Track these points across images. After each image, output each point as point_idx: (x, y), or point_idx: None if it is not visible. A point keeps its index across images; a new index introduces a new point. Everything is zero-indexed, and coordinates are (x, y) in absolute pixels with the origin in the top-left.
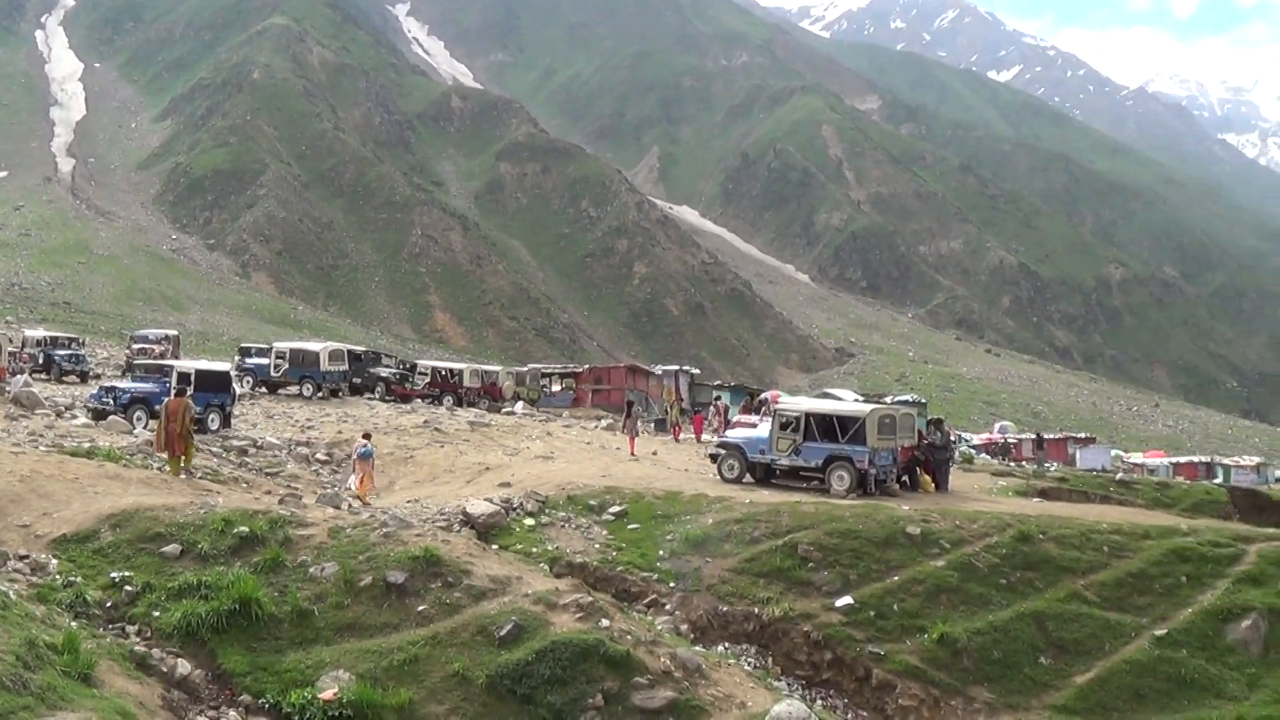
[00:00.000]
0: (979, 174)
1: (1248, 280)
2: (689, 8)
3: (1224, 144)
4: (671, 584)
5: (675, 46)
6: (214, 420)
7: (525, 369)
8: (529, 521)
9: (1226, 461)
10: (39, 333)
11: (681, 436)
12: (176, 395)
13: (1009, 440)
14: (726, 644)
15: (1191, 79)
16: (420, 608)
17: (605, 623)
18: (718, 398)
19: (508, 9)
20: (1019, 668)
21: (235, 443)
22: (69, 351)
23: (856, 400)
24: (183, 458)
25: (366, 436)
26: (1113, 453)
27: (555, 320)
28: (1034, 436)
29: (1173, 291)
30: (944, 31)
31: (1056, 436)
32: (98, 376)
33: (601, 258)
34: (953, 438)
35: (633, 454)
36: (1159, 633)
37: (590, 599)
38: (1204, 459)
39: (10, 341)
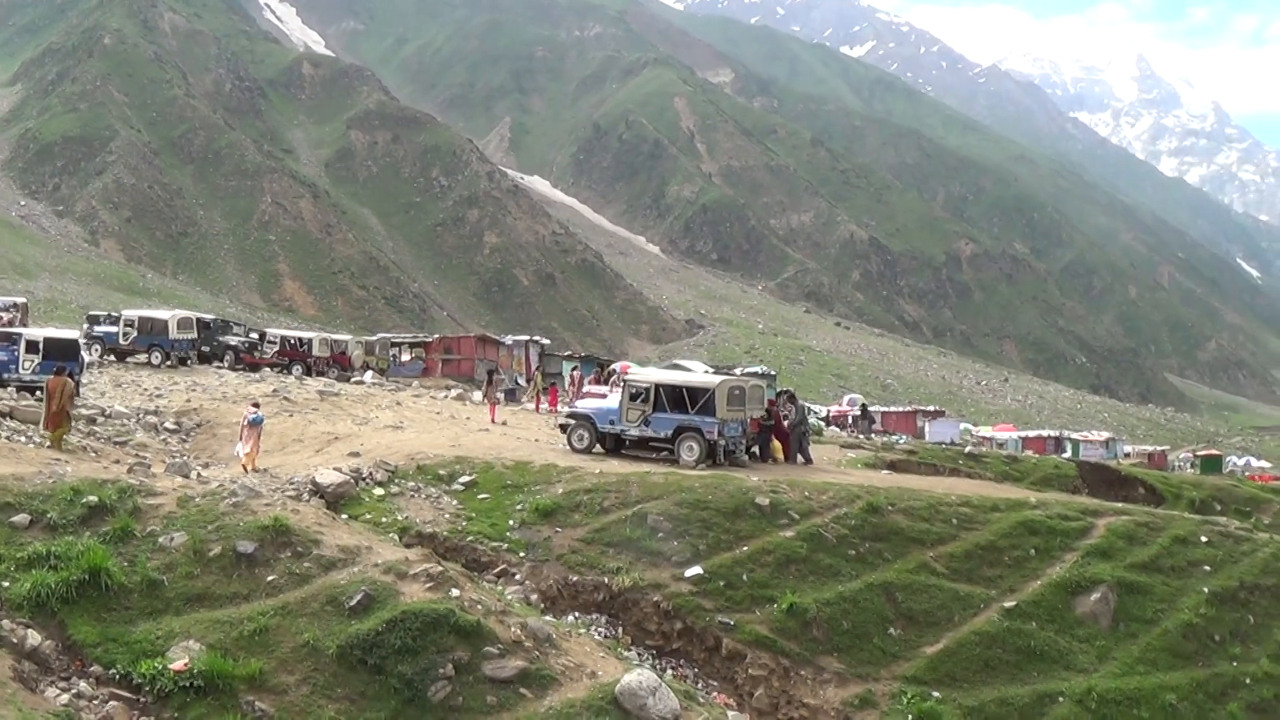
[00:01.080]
0: (831, 148)
1: (1097, 257)
2: None
3: (1076, 122)
4: (521, 554)
5: (528, 16)
6: None
7: (375, 338)
8: (378, 491)
9: (1075, 436)
10: None
11: (531, 406)
12: (56, 374)
13: (852, 413)
14: (577, 614)
15: (1045, 57)
16: (270, 578)
17: (455, 592)
18: (574, 368)
19: None
20: (868, 638)
21: (84, 411)
22: None
23: (706, 372)
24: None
25: (256, 405)
26: (962, 426)
27: (405, 289)
28: (859, 408)
29: (1022, 267)
30: (798, 6)
31: (904, 409)
32: None
33: (452, 227)
34: (805, 409)
35: (493, 421)
36: (1008, 605)
37: (440, 569)
38: (1053, 433)
39: None
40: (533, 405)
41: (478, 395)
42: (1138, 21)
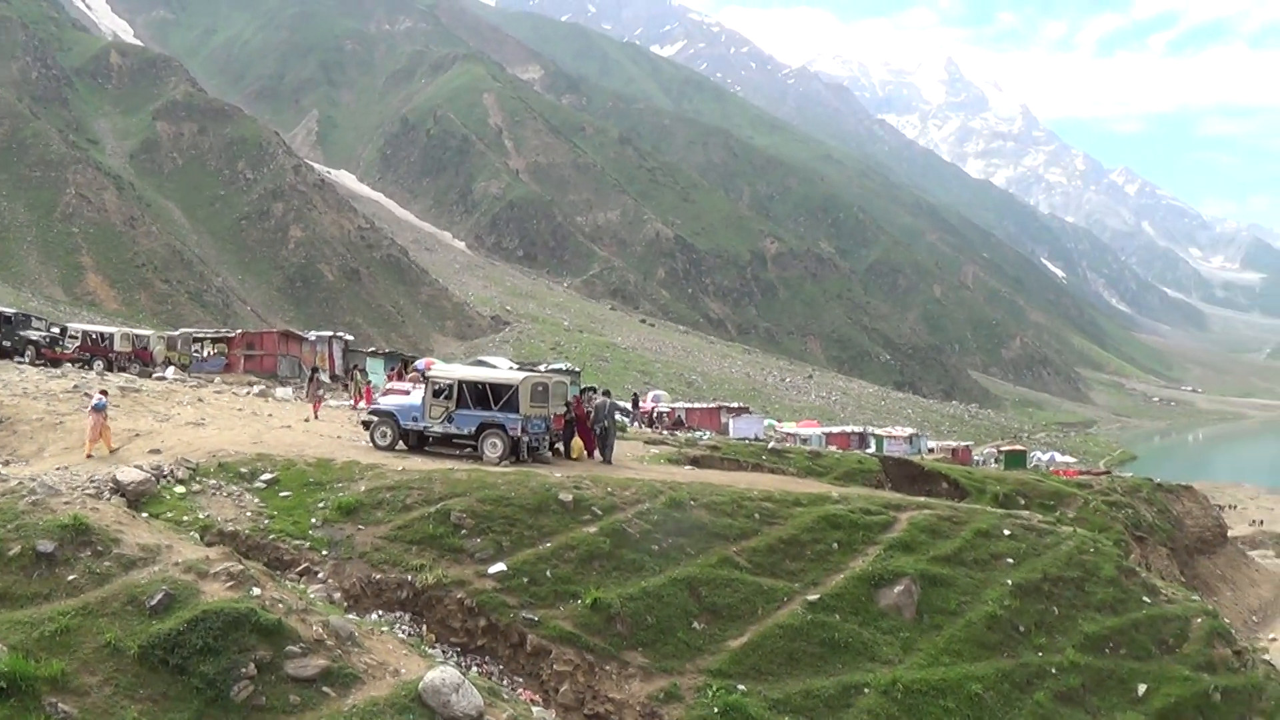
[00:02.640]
0: (638, 146)
1: (902, 256)
2: None
3: (884, 124)
4: (324, 552)
5: (338, 9)
6: None
7: (177, 333)
8: (180, 489)
9: (879, 432)
10: None
11: (336, 404)
12: None
13: (659, 409)
14: (380, 612)
15: (854, 60)
16: (70, 577)
17: (257, 591)
18: (356, 366)
19: None
20: (673, 632)
21: None
22: None
23: (511, 368)
24: None
25: (104, 392)
26: (766, 422)
27: (209, 284)
28: (630, 401)
29: (828, 266)
30: (610, 4)
31: (708, 406)
32: None
33: (257, 221)
34: (615, 406)
35: (316, 417)
36: (811, 598)
37: (241, 567)
38: (857, 429)
39: None
40: (351, 402)
41: (281, 391)
42: (946, 26)
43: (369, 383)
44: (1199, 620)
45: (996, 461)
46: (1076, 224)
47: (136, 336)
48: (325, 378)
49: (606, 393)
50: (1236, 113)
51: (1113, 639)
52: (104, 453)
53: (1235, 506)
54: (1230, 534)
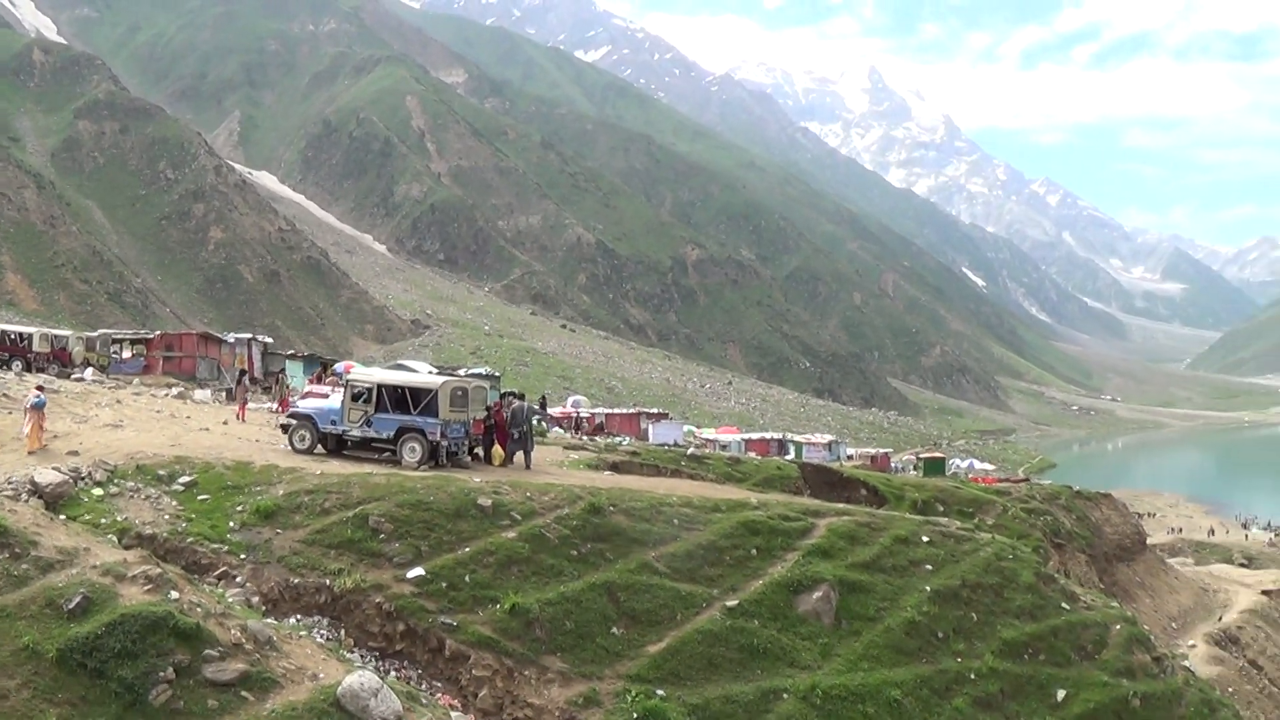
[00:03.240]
0: (561, 151)
1: (823, 264)
2: None
3: (806, 132)
4: (242, 556)
5: (261, 10)
6: None
7: (96, 334)
8: (98, 491)
9: (798, 438)
10: None
11: (255, 408)
12: None
13: (579, 415)
14: (298, 616)
15: (778, 68)
16: None
17: (175, 595)
18: (282, 370)
19: None
20: (592, 638)
21: None
22: None
23: (431, 372)
24: None
25: (40, 389)
26: (685, 428)
27: (128, 285)
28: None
29: (748, 273)
30: (535, 9)
31: (628, 411)
32: None
33: (178, 221)
34: (534, 410)
35: (241, 419)
36: (730, 603)
37: (159, 571)
38: (776, 436)
39: None
40: (275, 406)
41: (199, 394)
42: (870, 36)
43: (277, 384)
44: (1118, 627)
45: (915, 469)
46: (997, 234)
47: (55, 337)
48: (228, 378)
49: (516, 394)
50: (1160, 125)
51: (1031, 645)
52: (34, 449)
53: (1155, 514)
54: (1150, 541)
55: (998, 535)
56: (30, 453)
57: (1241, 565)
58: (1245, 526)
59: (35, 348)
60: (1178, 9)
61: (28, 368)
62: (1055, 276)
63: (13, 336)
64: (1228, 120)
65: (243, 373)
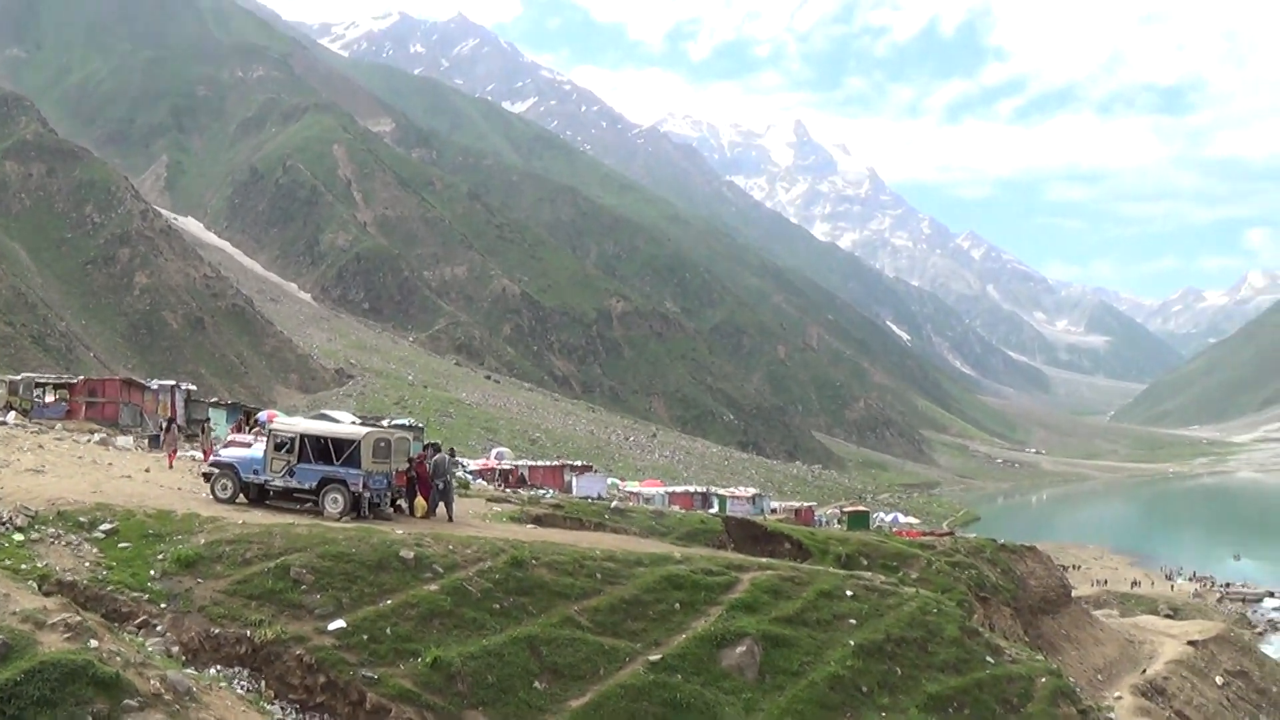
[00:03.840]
0: (487, 202)
1: (747, 317)
2: (210, 16)
3: (732, 185)
4: (163, 605)
5: (192, 54)
6: None
7: (19, 378)
8: (18, 537)
9: (722, 492)
10: None
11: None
12: None
13: (502, 466)
14: (219, 666)
15: (704, 121)
16: None
17: (94, 643)
18: (207, 419)
19: (28, 2)
20: (514, 691)
21: None
22: None
23: (354, 423)
24: None
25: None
26: (609, 481)
27: (52, 328)
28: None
29: (673, 326)
30: (463, 59)
31: (551, 464)
32: None
33: (103, 265)
34: (456, 463)
35: (171, 467)
36: (654, 658)
37: (79, 618)
38: (700, 489)
39: None
40: (200, 453)
41: (121, 440)
42: (795, 90)
43: (204, 433)
44: (1043, 680)
45: (840, 522)
46: (922, 287)
47: None
48: (151, 425)
49: (438, 446)
50: (1083, 178)
51: (956, 699)
52: None
53: (1079, 566)
54: (1075, 594)
55: (922, 589)
56: None
57: (1167, 616)
58: (1169, 578)
59: None
60: (1102, 62)
61: None
62: (979, 330)
63: None
64: (1150, 173)
65: (172, 420)
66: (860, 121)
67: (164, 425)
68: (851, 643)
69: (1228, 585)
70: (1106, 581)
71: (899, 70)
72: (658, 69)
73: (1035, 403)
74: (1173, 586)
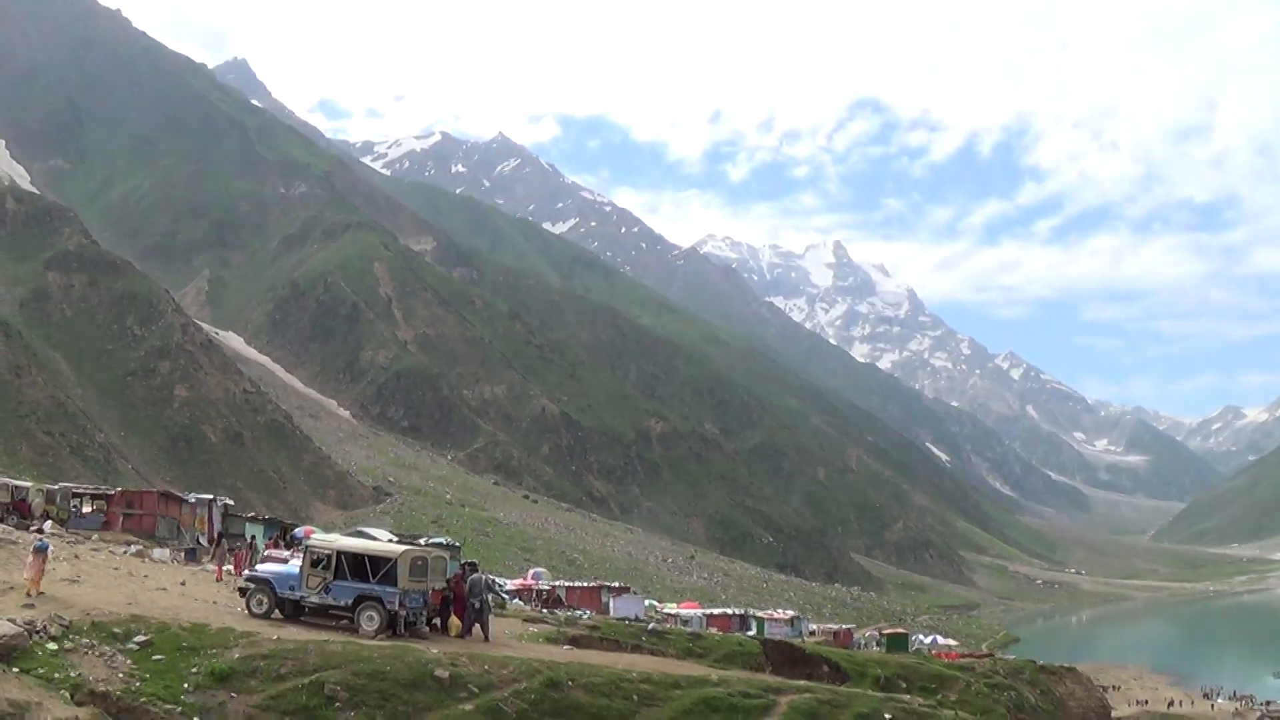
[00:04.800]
0: (527, 321)
1: (786, 439)
2: (254, 132)
3: (771, 306)
4: (195, 718)
5: (235, 170)
6: None
7: (57, 487)
8: (52, 646)
9: (760, 614)
10: None
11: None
12: None
13: (540, 587)
14: None
15: (744, 243)
16: None
17: None
18: (253, 536)
19: (74, 114)
20: None
21: None
22: None
23: (391, 540)
24: None
25: (40, 531)
26: (646, 602)
27: (91, 439)
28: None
29: (712, 447)
30: (504, 179)
31: (589, 585)
32: None
33: (143, 378)
34: (489, 582)
35: (219, 579)
36: None
37: None
38: (738, 611)
39: None
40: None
41: (158, 552)
42: (833, 211)
43: (236, 548)
44: None
45: (878, 644)
46: (961, 408)
47: (15, 488)
48: (187, 539)
49: (475, 565)
50: (1120, 297)
51: None
52: (35, 592)
53: (1119, 687)
54: (1114, 714)
55: (961, 712)
56: (30, 594)
57: None
58: (1207, 697)
59: None
60: (1138, 181)
61: None
62: (1019, 450)
63: None
64: (1187, 290)
65: (221, 535)
66: (898, 243)
67: (215, 539)
68: None
69: (1268, 703)
70: (1147, 702)
71: (936, 191)
72: (696, 190)
73: (1075, 523)
74: (1212, 706)
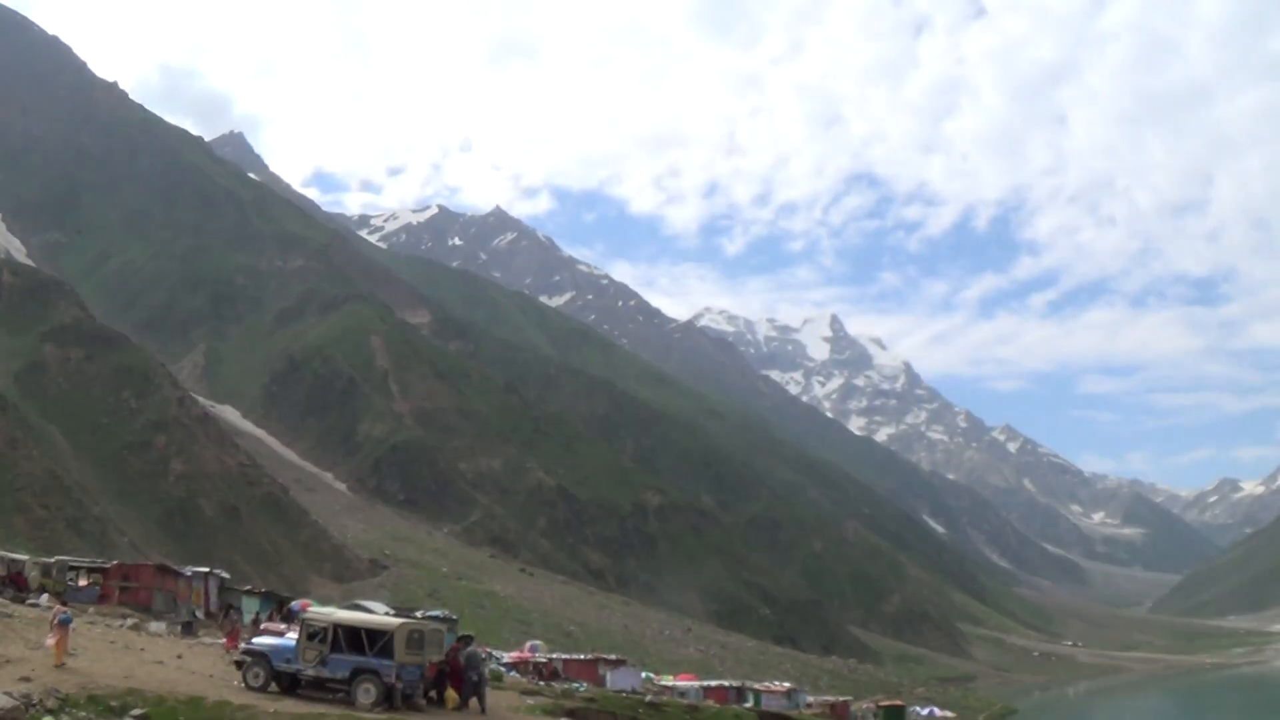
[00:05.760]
0: (523, 395)
1: (783, 511)
2: (250, 206)
3: (768, 380)
4: None
5: (231, 244)
6: None
7: (52, 560)
8: (49, 719)
9: (757, 686)
10: None
11: (210, 642)
12: None
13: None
14: None
15: (740, 316)
16: None
17: None
18: (230, 604)
19: (70, 187)
20: None
21: None
22: None
23: (388, 613)
24: None
25: (64, 604)
26: (644, 675)
27: (87, 512)
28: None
29: (709, 519)
30: (500, 252)
31: (586, 657)
32: None
33: (139, 451)
34: (483, 656)
35: (228, 650)
36: None
37: None
38: (735, 683)
39: None
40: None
41: (154, 626)
42: (829, 285)
43: (251, 622)
44: None
45: (875, 717)
46: (958, 481)
47: (11, 561)
48: (183, 612)
49: (471, 638)
50: (1115, 371)
51: None
52: (60, 663)
53: None
54: None
55: None
56: (56, 667)
57: None
58: None
59: None
60: (1134, 255)
61: None
62: (1016, 523)
63: None
64: (1183, 364)
65: (230, 606)
66: (895, 317)
67: (224, 610)
68: None
69: None
70: None
71: (932, 265)
72: (692, 263)
73: (1072, 595)
74: None
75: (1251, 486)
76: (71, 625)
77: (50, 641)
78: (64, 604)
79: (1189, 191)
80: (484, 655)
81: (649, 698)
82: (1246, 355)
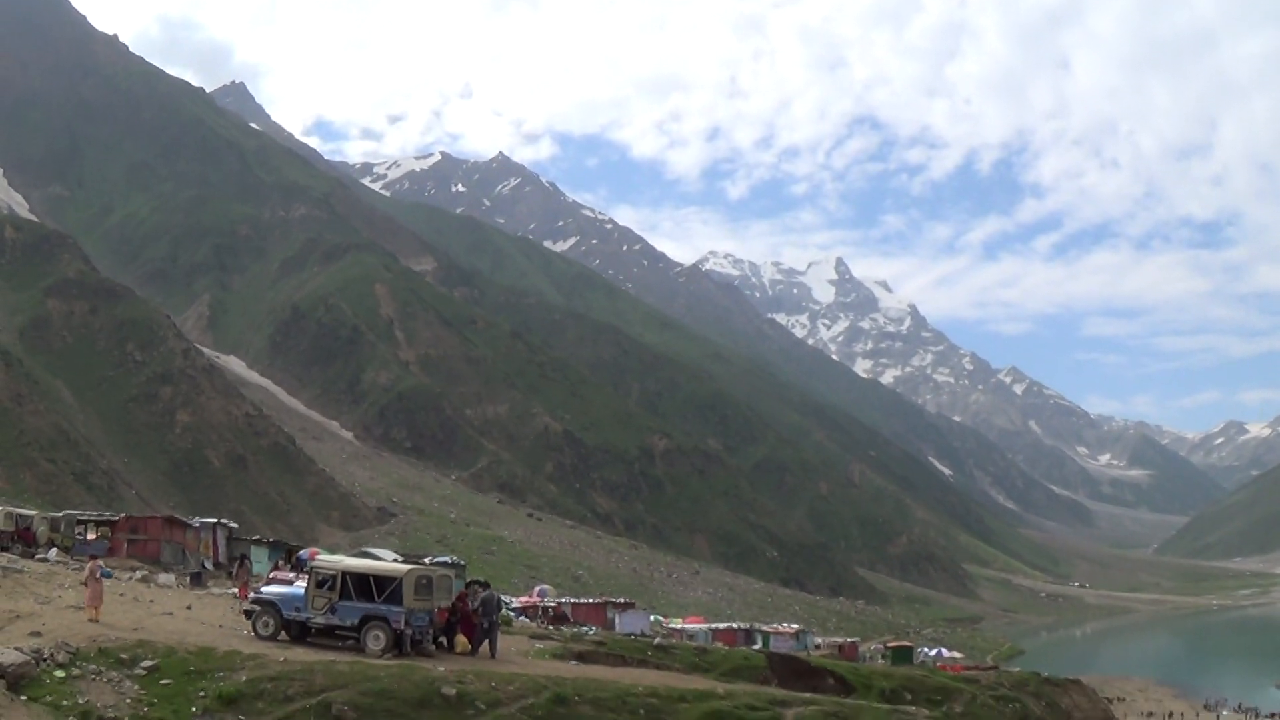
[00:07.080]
0: (529, 340)
1: (789, 454)
2: (252, 156)
3: (773, 323)
4: None
5: (234, 193)
6: None
7: (61, 515)
8: (60, 673)
9: (766, 628)
10: None
11: (220, 592)
12: None
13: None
14: None
15: (746, 260)
16: None
17: None
18: (244, 555)
19: (72, 142)
20: None
21: None
22: None
23: (396, 560)
24: None
25: (94, 557)
26: (652, 618)
27: (94, 465)
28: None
29: (715, 463)
30: (504, 198)
31: (594, 601)
32: None
33: (145, 404)
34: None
35: (242, 600)
36: None
37: None
38: (743, 625)
39: None
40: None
41: (163, 577)
42: (833, 229)
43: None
44: None
45: (883, 657)
46: (964, 423)
47: (20, 516)
48: (192, 562)
49: (486, 583)
50: (1121, 313)
51: None
52: (95, 618)
53: (1124, 699)
54: None
55: None
56: (91, 621)
57: None
58: (1209, 708)
59: None
60: (1138, 199)
61: None
62: (1022, 464)
63: None
64: (1188, 307)
65: (243, 556)
66: (899, 259)
67: (239, 560)
68: None
69: (1272, 715)
70: (1152, 714)
71: (936, 208)
72: (695, 207)
73: (1079, 536)
74: (1217, 717)
75: (1258, 429)
76: (103, 579)
77: (89, 598)
78: (94, 557)
79: (1193, 135)
80: (502, 599)
81: (658, 640)
82: (1252, 299)
